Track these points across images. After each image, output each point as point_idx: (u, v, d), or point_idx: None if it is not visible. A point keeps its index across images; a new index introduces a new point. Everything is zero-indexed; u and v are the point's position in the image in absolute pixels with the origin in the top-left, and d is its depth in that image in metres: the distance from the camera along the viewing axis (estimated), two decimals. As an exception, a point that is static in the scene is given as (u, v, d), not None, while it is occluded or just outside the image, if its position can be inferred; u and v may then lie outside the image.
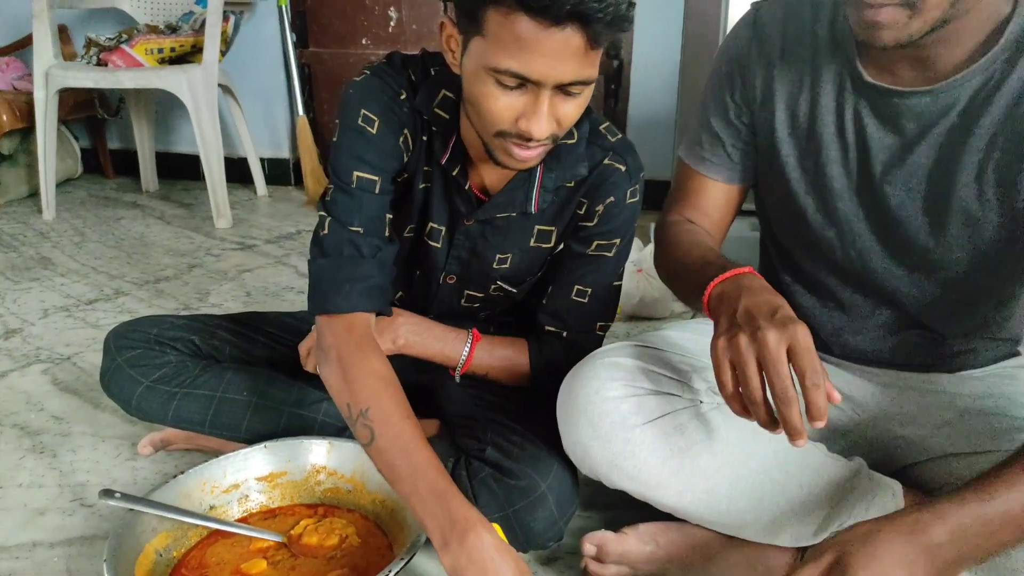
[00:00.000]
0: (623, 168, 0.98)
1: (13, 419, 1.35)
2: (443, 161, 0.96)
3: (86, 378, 1.50)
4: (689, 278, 0.87)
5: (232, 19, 2.62)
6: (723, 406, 0.92)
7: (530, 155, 0.84)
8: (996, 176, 0.79)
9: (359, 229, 0.92)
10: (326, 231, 0.92)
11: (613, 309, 1.08)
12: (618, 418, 0.85)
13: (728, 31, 1.02)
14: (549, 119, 0.80)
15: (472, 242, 1.02)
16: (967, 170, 0.80)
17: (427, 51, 0.98)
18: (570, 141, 0.96)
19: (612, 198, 0.98)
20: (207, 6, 2.47)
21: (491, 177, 0.98)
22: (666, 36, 2.54)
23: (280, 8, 2.81)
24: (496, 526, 0.81)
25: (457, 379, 1.08)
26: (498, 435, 0.99)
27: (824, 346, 0.99)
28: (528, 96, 0.79)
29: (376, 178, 0.93)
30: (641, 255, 1.82)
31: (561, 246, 1.05)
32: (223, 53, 2.60)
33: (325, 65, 2.99)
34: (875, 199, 0.87)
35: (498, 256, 1.03)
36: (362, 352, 0.89)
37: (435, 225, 1.01)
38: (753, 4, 0.96)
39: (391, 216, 0.96)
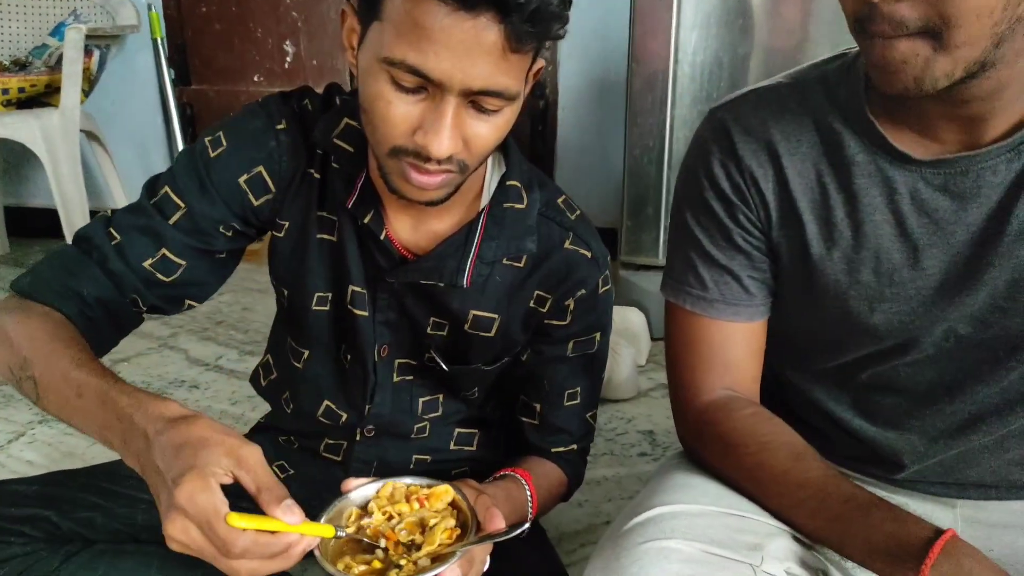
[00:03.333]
0: (588, 254, 0.86)
1: None
2: (349, 204, 0.81)
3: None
4: (826, 515, 0.71)
5: (96, 54, 2.28)
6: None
7: (429, 181, 0.71)
8: None
9: (119, 238, 0.80)
10: (88, 224, 0.83)
11: (599, 393, 0.99)
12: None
13: (690, 144, 0.85)
14: (453, 135, 0.67)
15: (400, 300, 0.86)
16: None
17: (339, 85, 0.85)
18: (519, 205, 0.83)
19: (583, 291, 0.87)
20: (64, 39, 2.10)
21: (416, 233, 0.83)
22: (595, 71, 2.37)
23: (155, 41, 2.50)
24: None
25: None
26: None
27: (891, 469, 0.83)
28: (429, 103, 0.67)
29: (182, 205, 0.80)
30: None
31: (518, 349, 0.91)
32: (86, 94, 2.27)
33: (211, 104, 2.70)
34: (974, 290, 0.71)
35: (433, 320, 0.87)
36: (23, 310, 0.76)
37: (356, 288, 0.85)
38: (711, 111, 0.83)
39: (202, 267, 0.84)
